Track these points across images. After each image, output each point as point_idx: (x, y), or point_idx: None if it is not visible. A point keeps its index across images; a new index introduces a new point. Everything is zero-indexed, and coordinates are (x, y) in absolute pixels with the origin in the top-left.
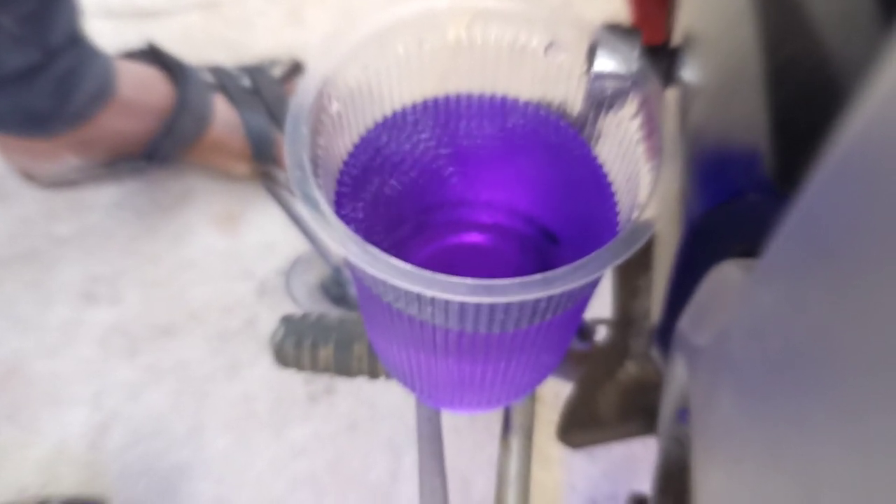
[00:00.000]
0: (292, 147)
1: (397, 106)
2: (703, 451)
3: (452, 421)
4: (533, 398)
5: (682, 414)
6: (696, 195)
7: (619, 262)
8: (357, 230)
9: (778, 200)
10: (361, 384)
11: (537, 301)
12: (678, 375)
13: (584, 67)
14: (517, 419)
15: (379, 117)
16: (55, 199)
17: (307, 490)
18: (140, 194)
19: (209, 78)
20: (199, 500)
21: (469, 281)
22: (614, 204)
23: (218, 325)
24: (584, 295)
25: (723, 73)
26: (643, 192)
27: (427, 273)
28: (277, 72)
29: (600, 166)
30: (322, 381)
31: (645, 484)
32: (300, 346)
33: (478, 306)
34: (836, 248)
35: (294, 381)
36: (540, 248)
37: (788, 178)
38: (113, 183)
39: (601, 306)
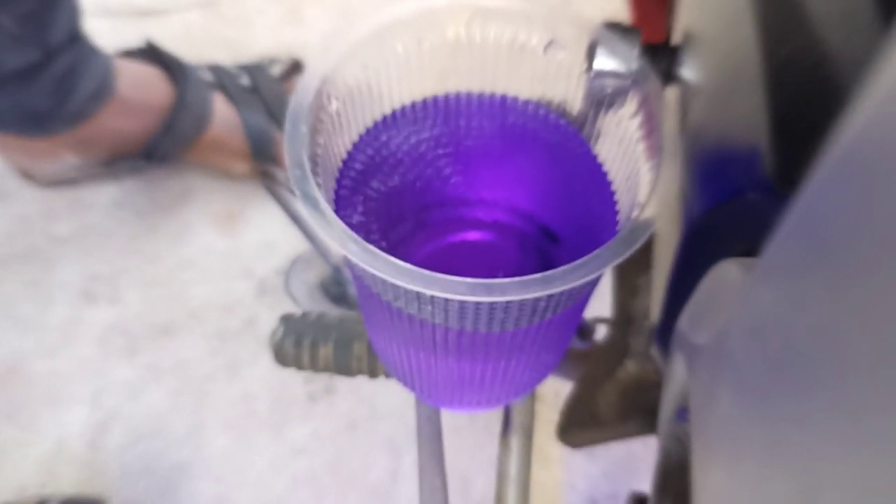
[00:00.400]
0: (292, 146)
1: (396, 105)
2: (702, 449)
3: (452, 420)
4: (533, 397)
5: (682, 413)
6: (695, 194)
7: (618, 261)
8: (356, 229)
9: (777, 200)
10: (361, 383)
11: (537, 300)
12: (678, 374)
13: (584, 66)
14: (517, 418)
15: (378, 116)
16: (54, 198)
17: (307, 489)
18: (139, 193)
19: (208, 77)
20: (198, 499)
21: (468, 280)
22: (614, 203)
23: (217, 324)
24: (584, 294)
25: (722, 73)
26: (643, 190)
27: (426, 272)
28: (277, 70)
29: (600, 165)
30: (322, 380)
31: (645, 483)
32: (300, 345)
33: (477, 305)
34: (836, 248)
35: (294, 381)
36: (540, 247)
37: (788, 178)
38: (112, 182)
39: (601, 305)
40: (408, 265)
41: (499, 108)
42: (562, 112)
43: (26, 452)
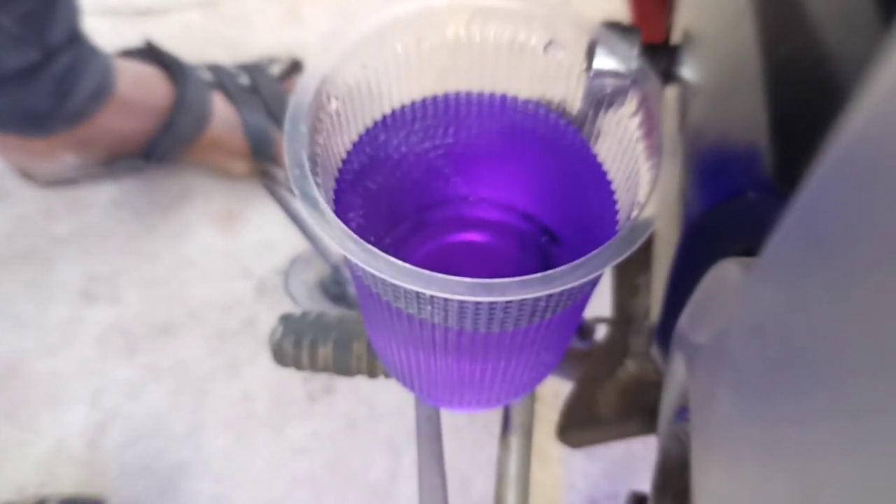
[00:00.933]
0: (291, 146)
1: (396, 104)
2: (702, 449)
3: (452, 420)
4: (532, 397)
5: (682, 412)
6: (695, 193)
7: (618, 260)
8: (356, 229)
9: (777, 199)
10: (360, 383)
11: (537, 300)
12: (678, 374)
13: (584, 65)
14: (517, 418)
15: (378, 116)
16: (54, 197)
17: (306, 489)
18: (139, 193)
19: (208, 76)
20: (197, 499)
21: (468, 280)
22: (614, 202)
23: (217, 324)
24: (583, 293)
25: (722, 72)
26: (643, 190)
27: (426, 272)
28: (276, 70)
29: (600, 164)
30: (321, 380)
31: (645, 483)
32: (299, 345)
33: (477, 305)
34: (836, 247)
35: (293, 381)
36: (540, 247)
37: (788, 177)
38: (111, 182)
39: (601, 305)
40: (407, 265)
41: (498, 108)
42: (561, 111)
43: (26, 452)
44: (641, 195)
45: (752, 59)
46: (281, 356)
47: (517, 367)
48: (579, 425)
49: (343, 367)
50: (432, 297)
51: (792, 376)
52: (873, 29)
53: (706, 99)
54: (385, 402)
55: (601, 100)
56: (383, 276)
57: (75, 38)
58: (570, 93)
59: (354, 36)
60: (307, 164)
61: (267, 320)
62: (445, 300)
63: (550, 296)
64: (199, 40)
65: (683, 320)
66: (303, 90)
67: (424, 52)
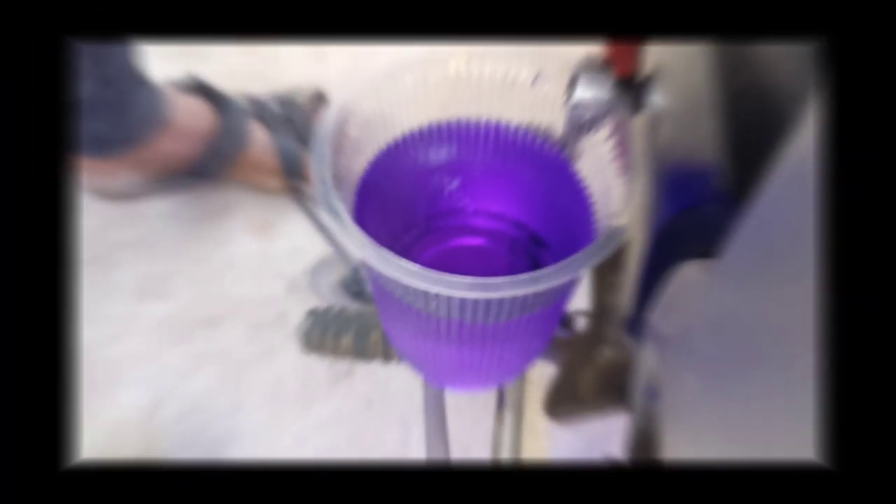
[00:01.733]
0: (317, 165)
1: (406, 129)
2: (671, 423)
3: (455, 399)
4: (523, 379)
5: (650, 391)
6: (662, 204)
7: (595, 263)
8: (372, 235)
9: (732, 210)
10: (377, 367)
11: (526, 296)
12: (647, 359)
13: (566, 97)
14: (510, 397)
15: (390, 139)
16: (115, 210)
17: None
18: (188, 206)
19: (247, 106)
20: None
21: (468, 279)
22: (592, 213)
23: (254, 317)
24: (566, 290)
25: (685, 102)
26: (616, 202)
27: (432, 272)
28: (305, 100)
29: (580, 181)
30: (343, 365)
31: (618, 450)
32: (325, 334)
33: (475, 301)
34: (775, 251)
35: (319, 365)
36: (529, 250)
37: (741, 191)
38: (164, 196)
39: (580, 299)
40: (416, 267)
41: (493, 133)
42: (547, 136)
43: (95, 425)
44: (615, 207)
45: (710, 92)
46: (309, 344)
47: (510, 353)
48: (563, 402)
49: (362, 354)
50: (437, 293)
51: (743, 360)
52: (806, 69)
53: (672, 124)
54: (397, 383)
55: (581, 126)
56: (395, 276)
57: (136, 75)
58: (554, 120)
59: (371, 73)
60: (331, 181)
61: (296, 314)
62: (448, 297)
63: (538, 293)
64: (239, 76)
65: (654, 315)
66: (327, 119)
67: (430, 86)
